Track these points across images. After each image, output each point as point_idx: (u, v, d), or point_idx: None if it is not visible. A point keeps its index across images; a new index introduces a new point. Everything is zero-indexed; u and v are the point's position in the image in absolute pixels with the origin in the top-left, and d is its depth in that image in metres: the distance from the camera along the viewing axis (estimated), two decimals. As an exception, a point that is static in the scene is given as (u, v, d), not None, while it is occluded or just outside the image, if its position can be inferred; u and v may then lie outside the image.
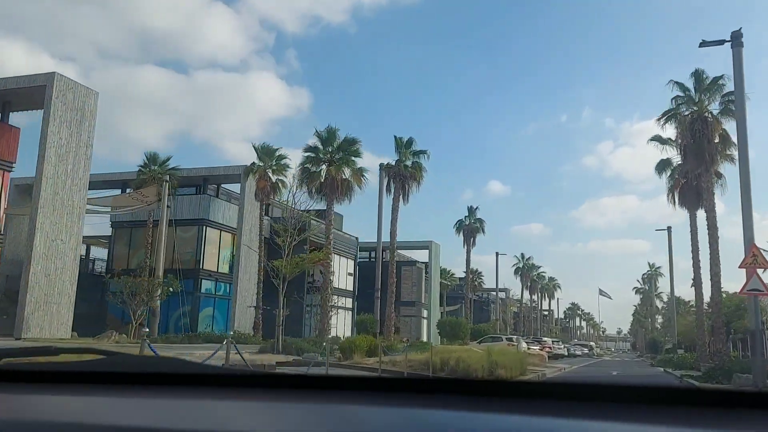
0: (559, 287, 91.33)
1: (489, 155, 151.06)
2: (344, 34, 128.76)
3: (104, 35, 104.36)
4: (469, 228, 48.41)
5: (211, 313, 37.11)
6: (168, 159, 35.17)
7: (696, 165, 22.58)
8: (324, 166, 28.82)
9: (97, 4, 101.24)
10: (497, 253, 55.28)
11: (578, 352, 62.84)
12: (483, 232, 49.05)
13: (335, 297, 47.08)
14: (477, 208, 48.79)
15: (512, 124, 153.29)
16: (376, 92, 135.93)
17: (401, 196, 33.42)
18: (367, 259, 66.09)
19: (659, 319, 65.55)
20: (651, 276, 71.37)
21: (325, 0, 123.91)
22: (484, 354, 17.64)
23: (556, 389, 1.05)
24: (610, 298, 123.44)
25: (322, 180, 28.76)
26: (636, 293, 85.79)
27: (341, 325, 45.61)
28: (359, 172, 29.99)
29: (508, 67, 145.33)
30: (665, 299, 63.74)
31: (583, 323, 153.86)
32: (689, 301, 57.30)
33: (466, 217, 49.48)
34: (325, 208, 32.25)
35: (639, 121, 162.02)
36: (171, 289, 27.42)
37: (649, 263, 78.18)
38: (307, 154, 28.85)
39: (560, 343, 49.24)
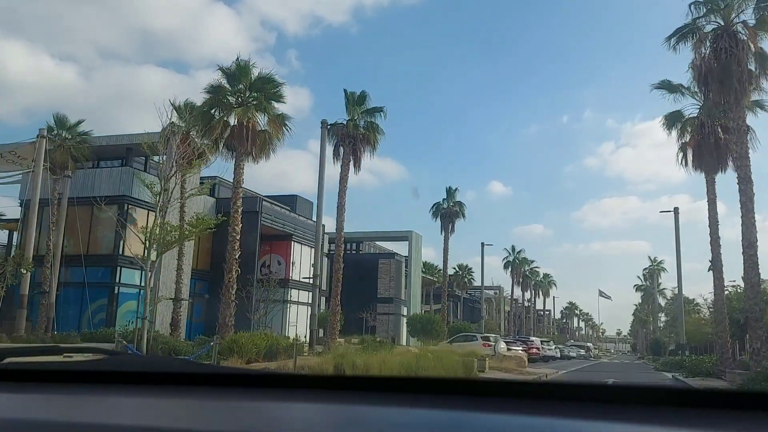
0: (555, 285, 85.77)
1: (490, 156, 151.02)
2: (346, 34, 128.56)
3: (105, 35, 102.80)
4: (448, 212, 42.67)
5: (134, 307, 31.32)
6: (80, 122, 29.47)
7: (721, 97, 16.85)
8: (233, 111, 22.43)
9: (97, 4, 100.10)
10: (483, 244, 49.61)
11: (573, 354, 57.18)
12: (463, 216, 43.42)
13: (295, 291, 41.40)
14: (456, 189, 43.15)
15: (514, 125, 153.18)
16: (377, 93, 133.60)
17: (352, 163, 27.62)
18: (350, 252, 60.44)
19: (662, 317, 59.89)
20: (652, 271, 65.67)
21: (327, 0, 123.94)
22: (412, 358, 12.07)
23: (550, 390, 1.04)
24: (609, 299, 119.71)
25: (229, 128, 22.51)
26: (636, 291, 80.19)
27: (304, 322, 39.89)
28: (280, 120, 23.70)
29: (510, 67, 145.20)
30: (669, 296, 57.95)
31: (582, 324, 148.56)
32: (693, 299, 51.53)
33: (444, 199, 43.74)
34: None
35: (641, 122, 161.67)
36: (22, 272, 21.52)
37: (650, 257, 72.78)
38: (209, 95, 22.58)
39: (551, 343, 43.62)
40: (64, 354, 1.56)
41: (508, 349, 27.63)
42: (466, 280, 77.02)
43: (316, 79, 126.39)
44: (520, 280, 70.44)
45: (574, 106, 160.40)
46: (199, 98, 23.19)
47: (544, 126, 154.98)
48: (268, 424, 1.00)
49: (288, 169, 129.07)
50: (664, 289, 63.33)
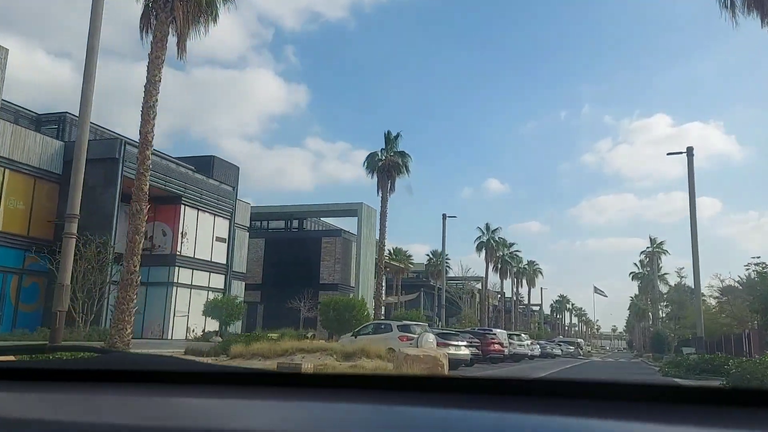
0: (541, 273, 76.00)
1: (487, 153, 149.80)
2: (343, 30, 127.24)
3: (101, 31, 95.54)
4: (386, 165, 32.91)
5: None
6: None
7: None
8: None
9: None
10: (444, 216, 40.09)
11: (558, 352, 47.72)
12: (407, 171, 33.70)
13: (185, 270, 31.70)
14: (399, 135, 33.23)
15: (511, 121, 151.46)
16: (374, 89, 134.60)
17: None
18: (285, 229, 50.82)
19: (662, 310, 50.14)
20: (652, 254, 56.34)
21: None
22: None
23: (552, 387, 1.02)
24: (604, 296, 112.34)
25: None
26: (633, 279, 70.62)
27: (200, 311, 30.08)
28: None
29: (508, 63, 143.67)
30: (672, 283, 48.29)
31: (575, 319, 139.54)
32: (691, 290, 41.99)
33: (382, 150, 33.89)
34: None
35: (638, 119, 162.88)
36: None
37: (650, 237, 63.48)
38: None
39: (523, 337, 34.19)
40: (53, 352, 1.57)
41: (436, 347, 18.06)
42: (440, 268, 67.24)
43: (314, 75, 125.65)
44: (499, 266, 60.74)
45: (572, 101, 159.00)
46: None
47: (542, 122, 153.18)
48: (265, 422, 0.98)
49: (285, 166, 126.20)
50: (666, 274, 54.23)
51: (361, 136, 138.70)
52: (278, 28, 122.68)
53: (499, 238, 56.19)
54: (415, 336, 18.27)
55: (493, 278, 66.59)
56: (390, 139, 32.66)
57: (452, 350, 19.32)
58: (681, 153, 23.71)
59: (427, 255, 72.37)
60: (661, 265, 56.11)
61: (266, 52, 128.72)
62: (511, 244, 61.20)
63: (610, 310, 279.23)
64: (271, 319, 43.03)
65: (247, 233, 39.01)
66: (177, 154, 35.25)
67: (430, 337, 17.99)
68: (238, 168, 40.93)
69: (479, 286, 73.32)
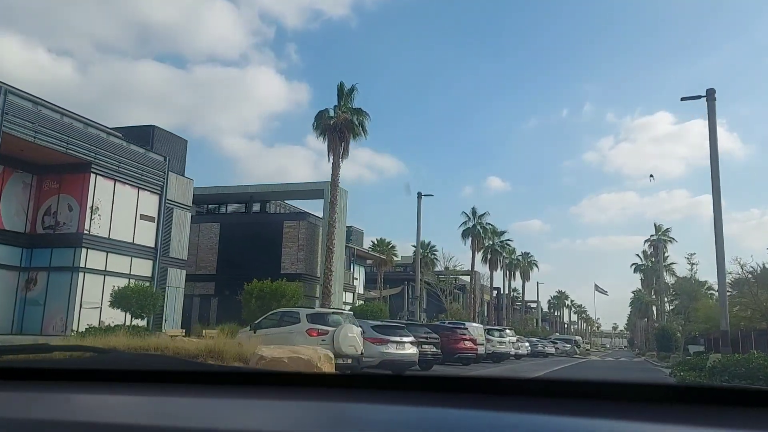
0: (536, 266, 70.50)
1: (489, 151, 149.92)
2: (345, 28, 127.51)
3: (101, 29, 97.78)
4: (339, 124, 27.05)
5: None
6: None
7: None
8: None
9: None
10: (420, 194, 34.82)
11: (551, 350, 42.45)
12: (364, 132, 27.92)
13: (99, 254, 26.37)
14: (354, 88, 27.21)
15: (513, 119, 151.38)
16: (376, 87, 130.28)
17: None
18: (244, 213, 45.43)
19: (670, 301, 44.60)
20: (657, 243, 51.05)
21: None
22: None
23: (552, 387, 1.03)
24: (605, 293, 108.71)
25: None
26: (635, 271, 65.26)
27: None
28: None
29: (510, 60, 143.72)
30: (679, 274, 42.80)
31: (574, 317, 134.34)
32: (705, 281, 36.64)
33: (335, 106, 27.88)
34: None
35: (640, 116, 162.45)
36: None
37: (655, 224, 58.20)
38: None
39: (505, 333, 28.92)
40: (54, 352, 1.59)
41: (384, 343, 12.75)
42: (429, 258, 61.86)
43: (316, 73, 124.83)
44: (488, 256, 55.32)
45: (573, 99, 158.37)
46: None
47: (544, 120, 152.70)
48: (264, 422, 0.99)
49: (286, 165, 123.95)
50: (672, 264, 48.87)
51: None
52: (280, 26, 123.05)
53: (487, 224, 50.75)
54: (331, 329, 12.96)
55: (492, 274, 61.27)
56: (344, 93, 26.93)
57: (393, 349, 14.09)
58: (700, 97, 18.58)
59: (414, 246, 66.87)
60: (666, 255, 50.90)
61: (268, 50, 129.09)
62: (502, 233, 55.83)
63: (611, 308, 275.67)
64: (226, 313, 37.68)
65: (189, 214, 33.67)
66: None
67: (352, 331, 12.75)
68: (186, 141, 35.70)
69: (470, 279, 68.13)
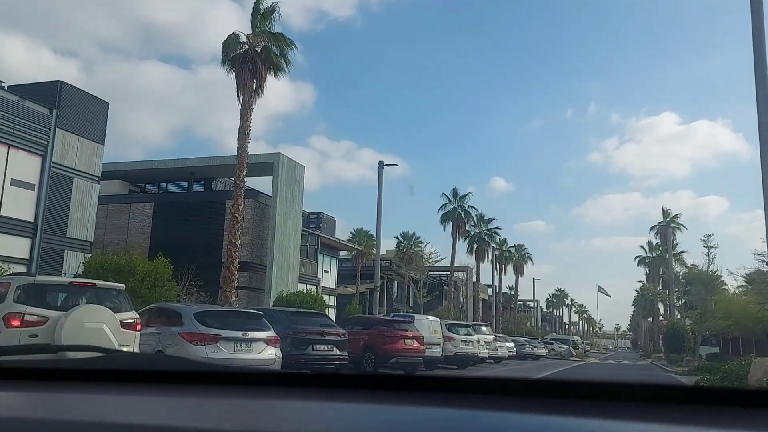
0: (531, 260, 64.19)
1: (493, 152, 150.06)
2: (350, 28, 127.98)
3: (106, 29, 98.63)
4: (251, 53, 19.82)
5: None
6: None
7: None
8: None
9: None
10: (381, 163, 28.86)
11: (542, 352, 36.34)
12: (286, 65, 21.22)
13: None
14: (275, 7, 20.36)
15: (517, 120, 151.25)
16: (380, 87, 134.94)
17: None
18: (186, 192, 39.35)
19: (682, 296, 38.24)
20: (666, 229, 44.88)
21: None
22: None
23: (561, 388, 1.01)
24: (608, 295, 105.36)
25: None
26: (639, 264, 59.11)
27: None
28: None
29: (514, 61, 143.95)
30: (692, 259, 36.47)
31: (574, 316, 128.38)
32: (716, 271, 30.54)
33: (248, 35, 21.05)
34: None
35: (646, 117, 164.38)
36: None
37: (663, 209, 52.05)
38: None
39: (485, 331, 23.11)
40: (59, 352, 1.58)
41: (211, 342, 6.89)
42: (412, 250, 55.70)
43: (320, 73, 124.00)
44: (474, 246, 49.19)
45: (578, 99, 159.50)
46: None
47: (548, 120, 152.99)
48: (267, 423, 0.98)
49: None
50: (682, 252, 42.81)
51: (365, 133, 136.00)
52: (285, 26, 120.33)
53: (469, 206, 44.51)
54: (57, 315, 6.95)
55: (478, 265, 55.03)
56: (259, 12, 20.31)
57: (226, 351, 8.26)
58: None
59: (396, 237, 60.44)
60: (676, 242, 44.83)
61: None
62: (490, 220, 49.62)
63: (613, 310, 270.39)
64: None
65: (96, 185, 27.62)
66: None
67: (96, 317, 6.64)
68: (107, 104, 29.65)
69: (463, 276, 62.06)
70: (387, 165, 29.46)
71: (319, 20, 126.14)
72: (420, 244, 56.46)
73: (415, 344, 15.66)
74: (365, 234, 53.87)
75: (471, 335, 20.56)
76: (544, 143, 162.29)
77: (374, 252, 63.09)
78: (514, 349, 31.30)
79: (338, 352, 11.94)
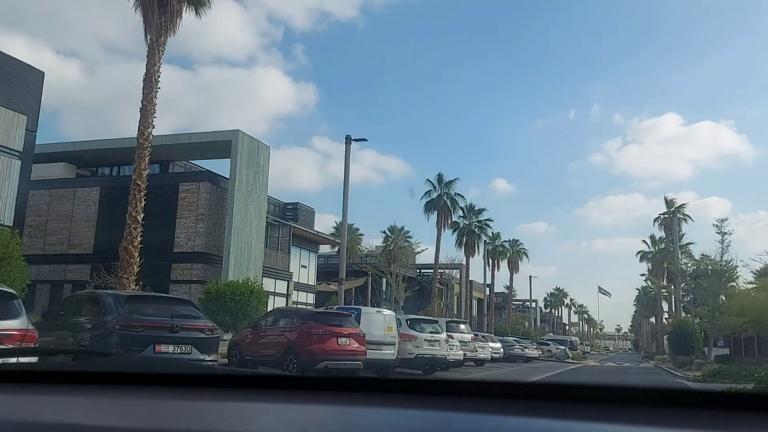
0: (526, 256, 60.39)
1: (495, 153, 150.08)
2: (353, 29, 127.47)
3: (108, 30, 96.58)
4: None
5: None
6: None
7: None
8: None
9: None
10: (348, 137, 25.20)
11: (533, 354, 32.68)
12: (208, 2, 17.92)
13: None
14: None
15: (519, 121, 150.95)
16: (383, 88, 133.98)
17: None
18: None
19: (691, 290, 34.25)
20: (671, 220, 41.19)
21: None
22: None
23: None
24: (608, 295, 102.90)
25: None
26: (642, 260, 55.32)
27: None
28: None
29: (517, 62, 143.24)
30: (697, 256, 32.61)
31: (575, 317, 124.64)
32: (730, 261, 26.74)
33: None
34: None
35: (648, 118, 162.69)
36: None
37: (666, 199, 48.51)
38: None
39: (463, 329, 19.58)
40: (57, 354, 1.57)
41: None
42: (398, 245, 51.83)
43: (323, 74, 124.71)
44: (464, 239, 45.43)
45: (581, 101, 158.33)
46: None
47: (550, 122, 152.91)
48: (265, 424, 0.98)
49: (291, 167, 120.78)
50: (689, 244, 39.15)
51: (367, 134, 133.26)
52: (288, 27, 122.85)
53: (456, 194, 40.67)
54: None
55: (468, 260, 51.21)
56: None
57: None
58: None
59: (384, 232, 56.47)
60: (682, 233, 41.20)
61: (275, 51, 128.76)
62: (480, 211, 45.81)
63: (615, 311, 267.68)
64: None
65: (17, 161, 23.99)
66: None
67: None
68: (42, 74, 26.07)
69: (457, 274, 58.32)
70: (355, 140, 25.74)
71: (322, 21, 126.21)
72: (409, 239, 52.90)
73: (353, 344, 11.94)
74: (349, 228, 50.17)
75: (438, 333, 16.79)
76: (546, 144, 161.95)
77: (360, 247, 59.43)
78: (501, 350, 27.62)
79: (199, 356, 8.32)
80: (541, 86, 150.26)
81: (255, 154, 31.49)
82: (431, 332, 16.72)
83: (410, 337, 15.95)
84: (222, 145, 30.85)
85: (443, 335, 17.06)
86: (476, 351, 21.42)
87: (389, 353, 14.10)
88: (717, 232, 24.63)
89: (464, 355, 19.71)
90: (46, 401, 1.13)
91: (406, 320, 16.65)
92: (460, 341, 19.45)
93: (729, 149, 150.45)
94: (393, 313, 15.60)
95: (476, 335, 24.29)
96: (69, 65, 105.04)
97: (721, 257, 24.94)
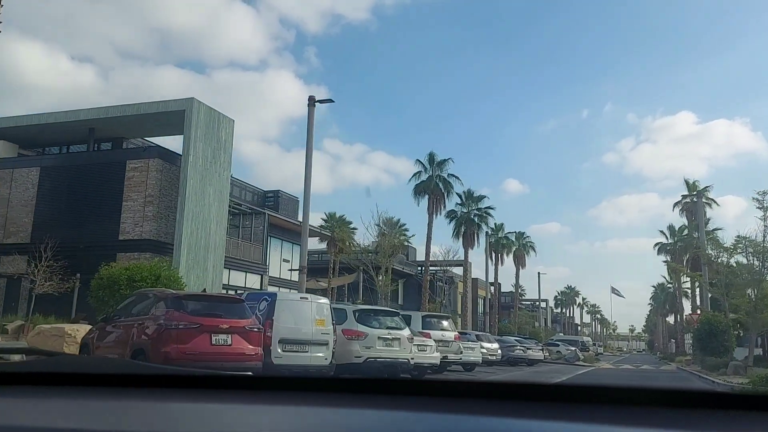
0: (533, 250, 55.73)
1: (507, 153, 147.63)
2: (365, 31, 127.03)
3: (123, 35, 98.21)
4: None
5: None
6: None
7: None
8: None
9: (115, 3, 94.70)
10: (312, 98, 21.01)
11: (538, 355, 28.36)
12: None
13: None
14: None
15: (531, 120, 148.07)
16: (395, 90, 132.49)
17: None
18: (84, 152, 31.59)
19: (719, 279, 29.53)
20: (693, 204, 36.70)
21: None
22: None
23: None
24: (622, 296, 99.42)
25: None
26: (659, 252, 50.62)
27: None
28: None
29: (529, 62, 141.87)
30: (726, 243, 27.94)
31: (587, 317, 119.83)
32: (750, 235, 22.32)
33: None
34: None
35: (662, 117, 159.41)
36: None
37: (686, 182, 44.11)
38: None
39: (446, 325, 15.56)
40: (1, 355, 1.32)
41: None
42: (402, 240, 47.51)
43: (335, 76, 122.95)
44: (462, 230, 40.98)
45: (594, 100, 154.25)
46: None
47: (563, 121, 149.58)
48: (204, 426, 0.96)
49: (303, 170, 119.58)
50: (717, 230, 34.56)
51: (380, 136, 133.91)
52: (300, 31, 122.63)
53: (449, 175, 36.17)
54: None
55: (466, 252, 46.78)
56: None
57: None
58: None
59: (377, 225, 52.08)
60: (708, 218, 36.65)
61: (287, 54, 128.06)
62: (480, 198, 41.32)
63: (628, 312, 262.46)
64: (46, 303, 24.21)
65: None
66: None
67: None
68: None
69: (461, 272, 53.97)
70: (319, 101, 21.56)
71: (333, 24, 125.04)
72: (405, 233, 48.60)
73: (239, 344, 7.72)
74: (339, 219, 45.92)
75: (398, 329, 12.39)
76: (558, 144, 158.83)
77: (352, 242, 54.75)
78: (498, 351, 23.31)
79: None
80: (554, 86, 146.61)
81: (214, 127, 27.34)
82: (388, 328, 12.33)
83: (357, 335, 11.64)
84: (176, 116, 26.72)
85: (405, 332, 12.64)
86: (460, 353, 17.13)
87: (319, 356, 9.92)
88: (758, 207, 20.26)
89: (445, 357, 15.45)
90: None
91: (354, 312, 12.31)
92: (438, 340, 15.19)
93: (744, 147, 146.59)
94: (327, 302, 11.22)
95: (463, 334, 20.06)
96: (84, 70, 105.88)
97: (764, 238, 20.54)
